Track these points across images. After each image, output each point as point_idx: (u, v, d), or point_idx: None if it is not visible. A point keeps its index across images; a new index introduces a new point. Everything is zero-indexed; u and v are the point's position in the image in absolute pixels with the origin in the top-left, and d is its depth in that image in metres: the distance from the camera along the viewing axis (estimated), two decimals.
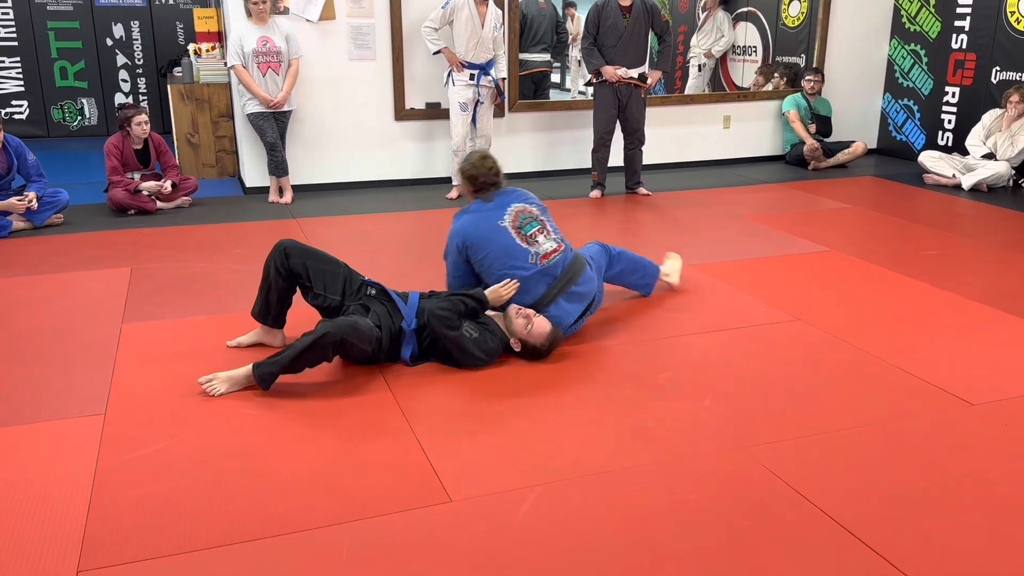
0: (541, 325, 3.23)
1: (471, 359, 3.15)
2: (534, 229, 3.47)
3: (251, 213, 5.67)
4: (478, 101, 6.00)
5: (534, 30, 7.46)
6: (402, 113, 6.36)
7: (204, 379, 2.98)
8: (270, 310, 3.31)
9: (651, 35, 6.15)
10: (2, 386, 3.04)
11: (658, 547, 2.15)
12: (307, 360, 2.94)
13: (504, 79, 6.10)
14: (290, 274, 3.26)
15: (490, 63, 5.95)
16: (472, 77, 5.92)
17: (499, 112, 6.58)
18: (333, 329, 2.93)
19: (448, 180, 6.31)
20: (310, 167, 6.29)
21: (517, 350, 3.24)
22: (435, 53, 5.92)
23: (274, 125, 5.81)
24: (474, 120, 6.07)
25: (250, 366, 2.97)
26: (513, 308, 3.29)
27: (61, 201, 5.32)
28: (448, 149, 6.25)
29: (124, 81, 8.70)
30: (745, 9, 8.46)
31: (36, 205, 5.11)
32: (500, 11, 6.01)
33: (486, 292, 3.32)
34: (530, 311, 3.27)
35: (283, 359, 2.94)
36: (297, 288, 3.32)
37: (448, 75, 6.01)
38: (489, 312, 3.34)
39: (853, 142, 7.33)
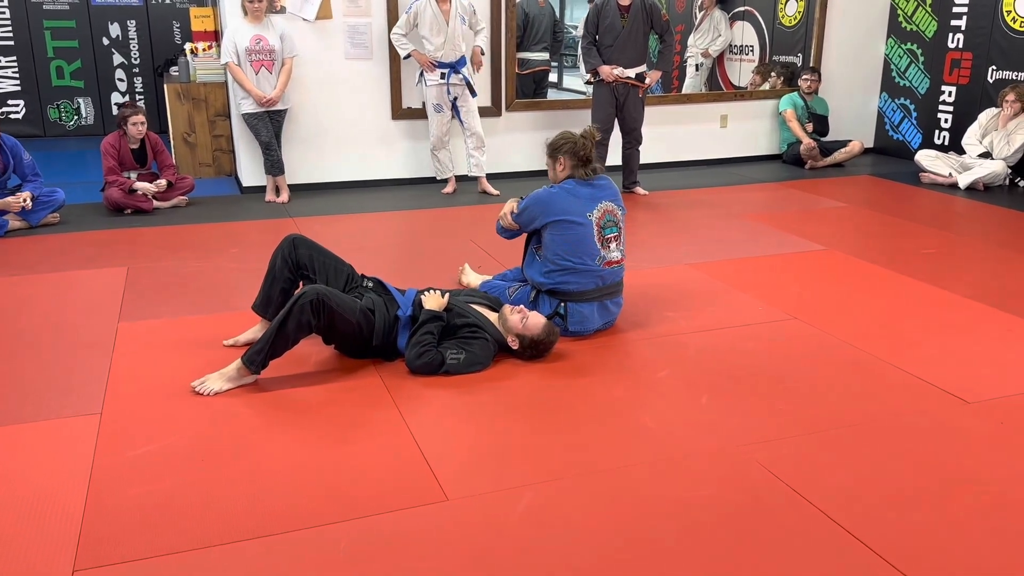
0: (536, 318, 3.24)
1: (470, 371, 3.15)
2: (612, 234, 3.51)
3: (248, 212, 5.66)
4: (455, 99, 5.99)
5: (534, 29, 7.47)
6: (399, 112, 6.36)
7: (196, 382, 2.98)
8: (271, 303, 3.32)
9: (652, 35, 6.15)
10: None
11: (655, 546, 2.15)
12: (290, 329, 2.94)
13: (479, 47, 6.00)
14: (296, 265, 3.32)
15: (461, 61, 5.93)
16: (443, 76, 5.91)
17: (496, 111, 6.58)
18: (310, 290, 2.96)
19: (443, 179, 6.32)
20: (307, 166, 6.28)
21: (515, 348, 3.23)
22: (405, 58, 5.93)
23: (268, 125, 5.80)
24: (460, 119, 6.07)
25: (238, 359, 2.98)
26: (507, 307, 3.30)
27: (57, 200, 5.31)
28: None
29: (120, 80, 8.69)
30: (742, 8, 8.47)
31: (30, 205, 5.10)
32: (466, 2, 5.94)
33: (426, 300, 3.27)
34: (523, 307, 3.29)
35: (267, 334, 2.97)
36: (300, 283, 3.35)
37: (420, 75, 6.01)
38: (483, 311, 3.34)
39: (850, 141, 7.34)
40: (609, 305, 3.55)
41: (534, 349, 3.24)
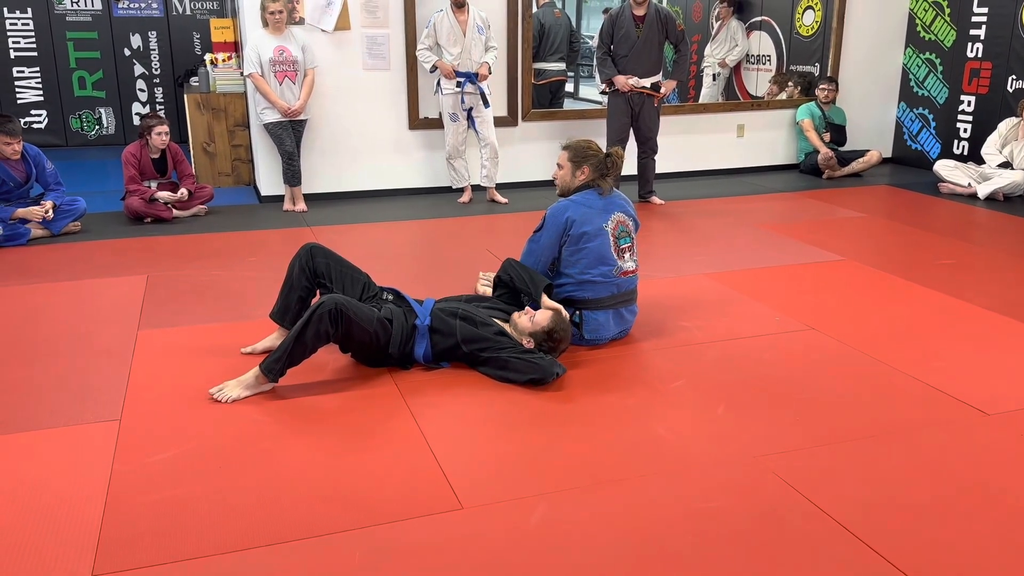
0: (542, 313, 3.26)
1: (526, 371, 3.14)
2: (626, 244, 3.52)
3: (266, 221, 5.71)
4: (470, 109, 6.02)
5: (551, 39, 7.49)
6: (416, 122, 6.39)
7: (214, 389, 3.01)
8: (288, 311, 3.34)
9: (667, 44, 6.16)
10: (19, 391, 3.07)
11: (670, 557, 2.14)
12: (308, 338, 2.95)
13: (487, 63, 6.03)
14: (314, 273, 3.35)
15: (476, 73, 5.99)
16: (459, 84, 5.95)
17: (513, 121, 6.60)
18: (328, 299, 2.97)
19: (459, 188, 6.35)
20: (325, 176, 6.32)
21: (530, 347, 3.23)
22: (432, 71, 5.98)
23: (292, 134, 5.86)
24: (476, 129, 6.09)
25: (256, 367, 3.00)
26: (515, 314, 3.33)
27: (79, 209, 5.38)
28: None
29: (141, 91, 8.79)
30: (759, 18, 8.46)
31: (52, 215, 5.17)
32: (483, 13, 6.00)
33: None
34: (528, 308, 3.32)
35: (285, 343, 2.98)
36: (317, 292, 3.37)
37: (437, 84, 6.05)
38: (498, 320, 3.34)
39: (868, 151, 7.30)
40: (624, 313, 3.55)
41: (550, 340, 3.21)
